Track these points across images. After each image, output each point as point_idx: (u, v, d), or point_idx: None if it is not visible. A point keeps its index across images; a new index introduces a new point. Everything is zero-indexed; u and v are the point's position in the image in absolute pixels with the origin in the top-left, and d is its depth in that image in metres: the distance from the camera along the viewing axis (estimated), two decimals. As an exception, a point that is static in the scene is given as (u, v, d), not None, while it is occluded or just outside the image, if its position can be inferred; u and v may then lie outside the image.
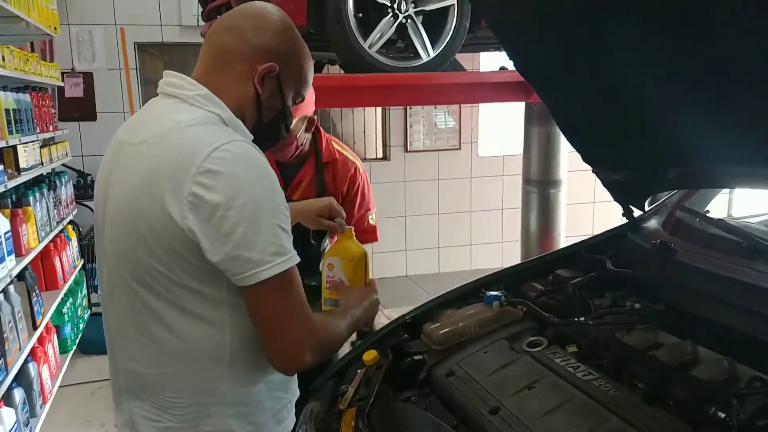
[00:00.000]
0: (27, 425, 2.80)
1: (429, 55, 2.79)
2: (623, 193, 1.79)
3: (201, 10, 3.37)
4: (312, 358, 1.08)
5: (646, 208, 1.88)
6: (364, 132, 5.61)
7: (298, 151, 1.91)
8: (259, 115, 1.16)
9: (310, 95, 1.83)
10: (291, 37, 1.17)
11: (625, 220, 1.88)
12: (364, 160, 5.54)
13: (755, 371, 1.16)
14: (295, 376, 1.25)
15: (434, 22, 2.79)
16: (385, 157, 5.57)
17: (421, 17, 2.76)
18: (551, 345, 1.41)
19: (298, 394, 1.28)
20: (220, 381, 1.10)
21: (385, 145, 5.58)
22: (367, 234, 2.01)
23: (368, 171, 6.11)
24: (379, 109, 5.57)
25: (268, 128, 1.19)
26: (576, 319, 1.45)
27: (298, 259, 1.06)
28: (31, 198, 3.18)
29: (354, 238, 1.40)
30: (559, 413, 1.17)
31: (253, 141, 1.13)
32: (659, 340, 1.34)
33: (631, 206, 1.83)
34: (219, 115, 1.09)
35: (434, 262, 5.77)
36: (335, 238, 1.58)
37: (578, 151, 1.71)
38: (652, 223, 1.85)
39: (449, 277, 5.46)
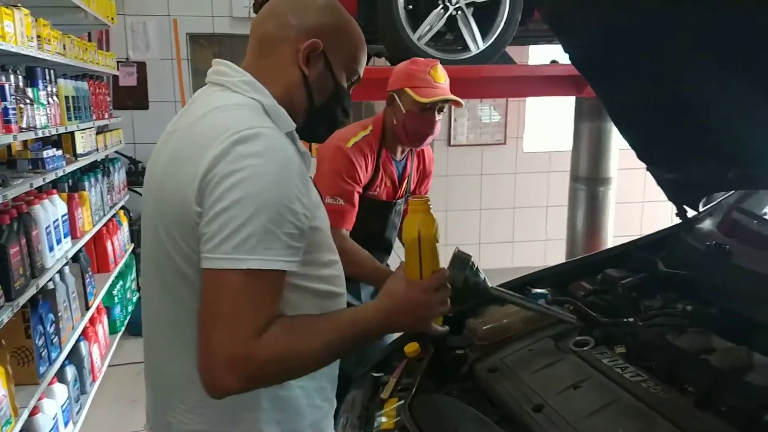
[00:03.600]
0: (77, 401, 2.92)
1: (479, 48, 2.77)
2: (678, 192, 1.74)
3: (252, 1, 3.42)
4: (240, 384, 0.91)
5: (701, 209, 1.82)
6: (407, 125, 5.59)
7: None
8: (310, 99, 1.10)
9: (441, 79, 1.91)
10: (334, 13, 1.10)
11: (677, 221, 1.83)
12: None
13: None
14: (335, 382, 1.15)
15: (485, 13, 2.76)
16: (428, 151, 5.55)
17: (471, 9, 2.73)
18: (598, 345, 1.39)
19: (335, 404, 1.18)
20: None
21: (428, 139, 5.56)
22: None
23: (411, 165, 5.92)
24: (423, 103, 5.53)
25: (321, 112, 1.12)
26: (625, 319, 1.42)
27: (271, 267, 0.91)
28: (86, 183, 3.29)
29: (428, 212, 1.11)
30: (606, 414, 1.15)
31: (307, 127, 1.11)
32: (712, 344, 1.30)
33: (685, 206, 1.77)
34: (260, 102, 1.04)
35: (474, 258, 5.72)
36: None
37: (633, 147, 1.67)
38: (707, 224, 1.79)
39: (490, 273, 5.26)
